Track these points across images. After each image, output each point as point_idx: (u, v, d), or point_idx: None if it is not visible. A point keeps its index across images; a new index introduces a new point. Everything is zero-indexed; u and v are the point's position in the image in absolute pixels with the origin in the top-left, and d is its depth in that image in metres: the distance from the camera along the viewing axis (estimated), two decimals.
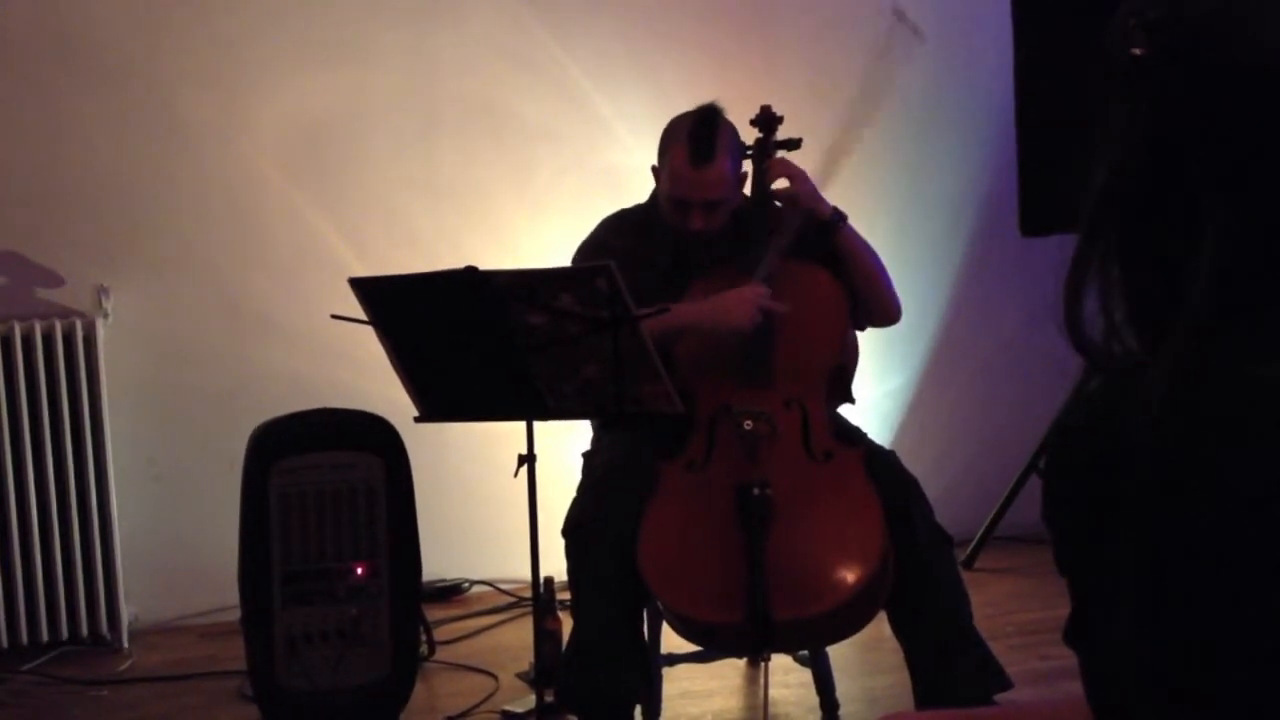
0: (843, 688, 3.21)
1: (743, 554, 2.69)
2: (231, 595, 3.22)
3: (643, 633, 2.93)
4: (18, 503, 3.74)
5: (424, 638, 3.55)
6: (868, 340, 3.19)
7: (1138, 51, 1.04)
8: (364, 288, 2.83)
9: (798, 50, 4.32)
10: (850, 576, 2.71)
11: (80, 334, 3.78)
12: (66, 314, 3.82)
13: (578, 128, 4.22)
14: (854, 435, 3.04)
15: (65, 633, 3.81)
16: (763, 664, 2.73)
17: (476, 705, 3.39)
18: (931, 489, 2.97)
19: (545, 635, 3.07)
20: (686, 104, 3.12)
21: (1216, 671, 0.97)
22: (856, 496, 2.81)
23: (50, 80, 3.88)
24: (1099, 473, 1.02)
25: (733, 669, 3.45)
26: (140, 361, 3.95)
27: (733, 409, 2.86)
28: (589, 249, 3.11)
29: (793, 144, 3.12)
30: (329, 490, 3.12)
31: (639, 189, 3.26)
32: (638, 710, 2.93)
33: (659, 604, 2.87)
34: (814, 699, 3.18)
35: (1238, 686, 0.96)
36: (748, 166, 3.10)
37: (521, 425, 2.90)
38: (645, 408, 2.78)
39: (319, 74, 4.08)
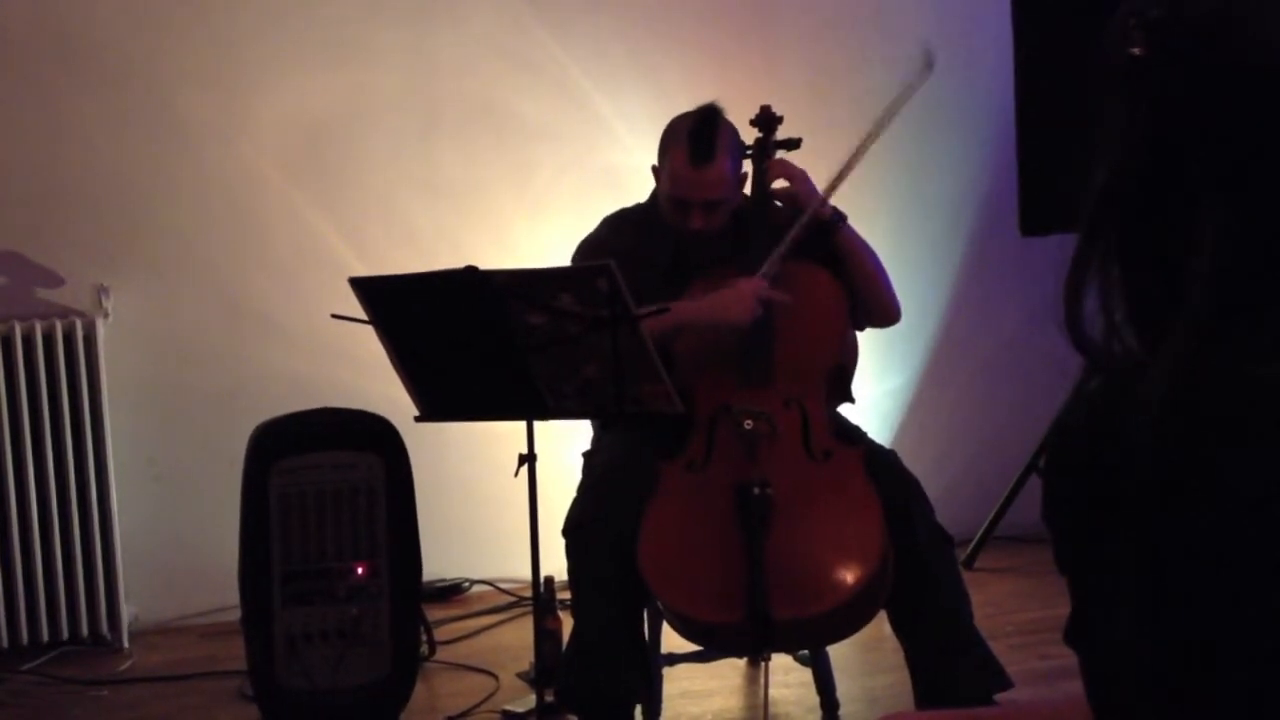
0: (843, 687, 3.21)
1: (743, 554, 2.69)
2: (232, 595, 3.23)
3: (643, 632, 2.94)
4: (18, 502, 3.74)
5: (424, 637, 3.55)
6: (867, 340, 3.19)
7: (1137, 51, 1.04)
8: (364, 287, 2.83)
9: (798, 50, 4.33)
10: (850, 576, 2.71)
11: (80, 334, 3.78)
12: (66, 314, 3.82)
13: (578, 127, 4.22)
14: (854, 435, 3.04)
15: (65, 632, 3.81)
16: (763, 664, 2.73)
17: (477, 705, 3.39)
18: (931, 488, 2.97)
19: (545, 635, 3.07)
20: (686, 104, 3.12)
21: (1216, 671, 0.97)
22: (856, 496, 2.81)
23: (50, 80, 3.88)
24: (1099, 472, 1.02)
25: (733, 669, 3.45)
26: (140, 361, 3.95)
27: (732, 408, 2.86)
28: (589, 248, 3.11)
29: (792, 144, 3.12)
30: (329, 490, 3.12)
31: (639, 189, 3.26)
32: (638, 710, 2.93)
33: (659, 604, 2.87)
34: (814, 699, 3.18)
35: (1238, 686, 0.96)
36: (747, 166, 3.10)
37: (521, 425, 2.90)
38: (645, 407, 2.78)
39: (319, 74, 4.08)
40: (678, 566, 2.79)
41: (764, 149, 3.11)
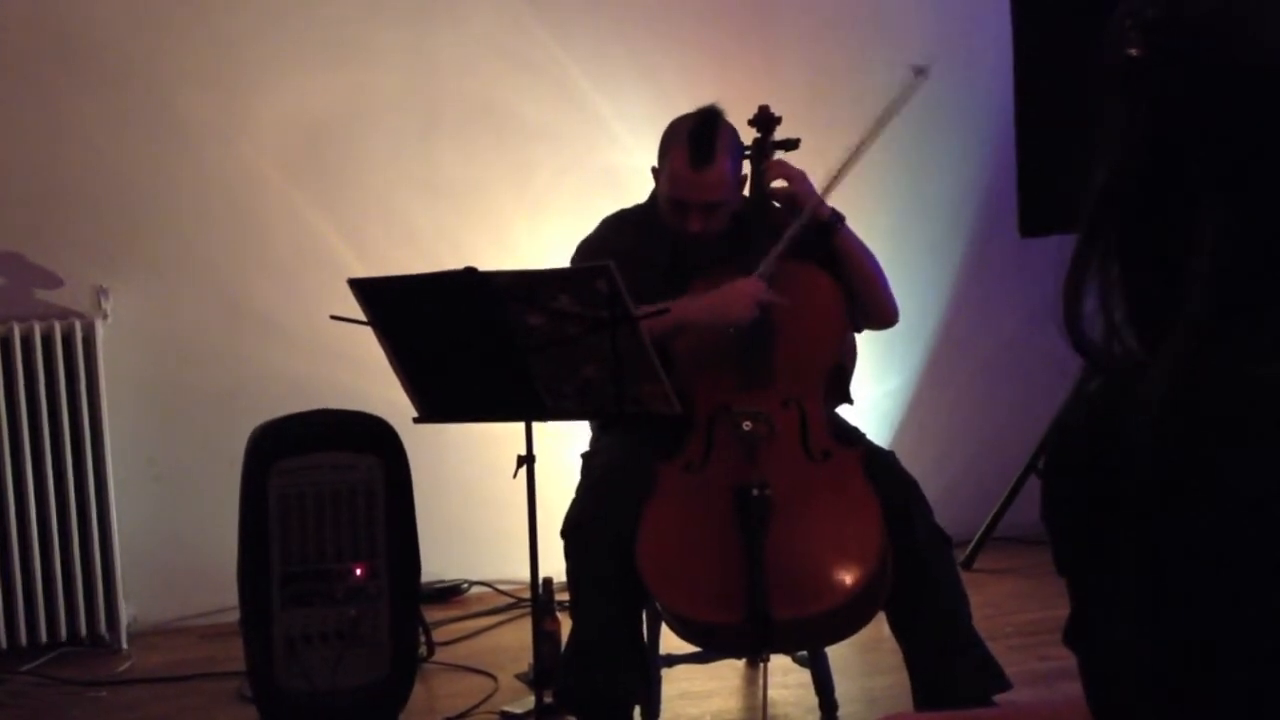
0: (842, 688, 3.21)
1: (741, 554, 2.69)
2: (231, 596, 3.22)
3: (642, 633, 2.93)
4: (17, 503, 3.74)
5: (423, 638, 3.55)
6: (867, 340, 3.19)
7: (1134, 52, 1.04)
8: (363, 288, 2.83)
9: (798, 50, 4.33)
10: (849, 577, 2.71)
11: (80, 335, 3.78)
12: (66, 315, 3.82)
13: (577, 128, 4.22)
14: (853, 435, 3.04)
15: (64, 633, 3.81)
16: (762, 664, 2.73)
17: (476, 706, 3.39)
18: (931, 489, 2.96)
19: (544, 636, 3.07)
20: (686, 104, 3.12)
21: (1216, 671, 0.97)
22: (855, 497, 2.81)
23: (50, 80, 3.88)
24: (1099, 473, 1.02)
25: (732, 669, 3.45)
26: (140, 362, 3.95)
27: (731, 409, 2.86)
28: (589, 249, 3.11)
29: (791, 144, 3.12)
30: (328, 491, 3.12)
31: (638, 189, 3.26)
32: (637, 711, 2.93)
33: (658, 604, 2.86)
34: (813, 699, 3.18)
35: (1238, 686, 0.96)
36: (747, 168, 3.10)
37: (520, 426, 2.90)
38: (644, 408, 2.77)
39: (319, 74, 4.08)
40: (677, 567, 2.79)
41: (762, 149, 3.11)
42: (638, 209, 3.20)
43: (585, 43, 4.21)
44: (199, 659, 3.79)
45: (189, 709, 3.49)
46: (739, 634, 2.70)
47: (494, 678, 3.56)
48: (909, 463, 3.00)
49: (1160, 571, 0.98)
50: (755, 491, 2.72)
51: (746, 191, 3.11)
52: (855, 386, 3.13)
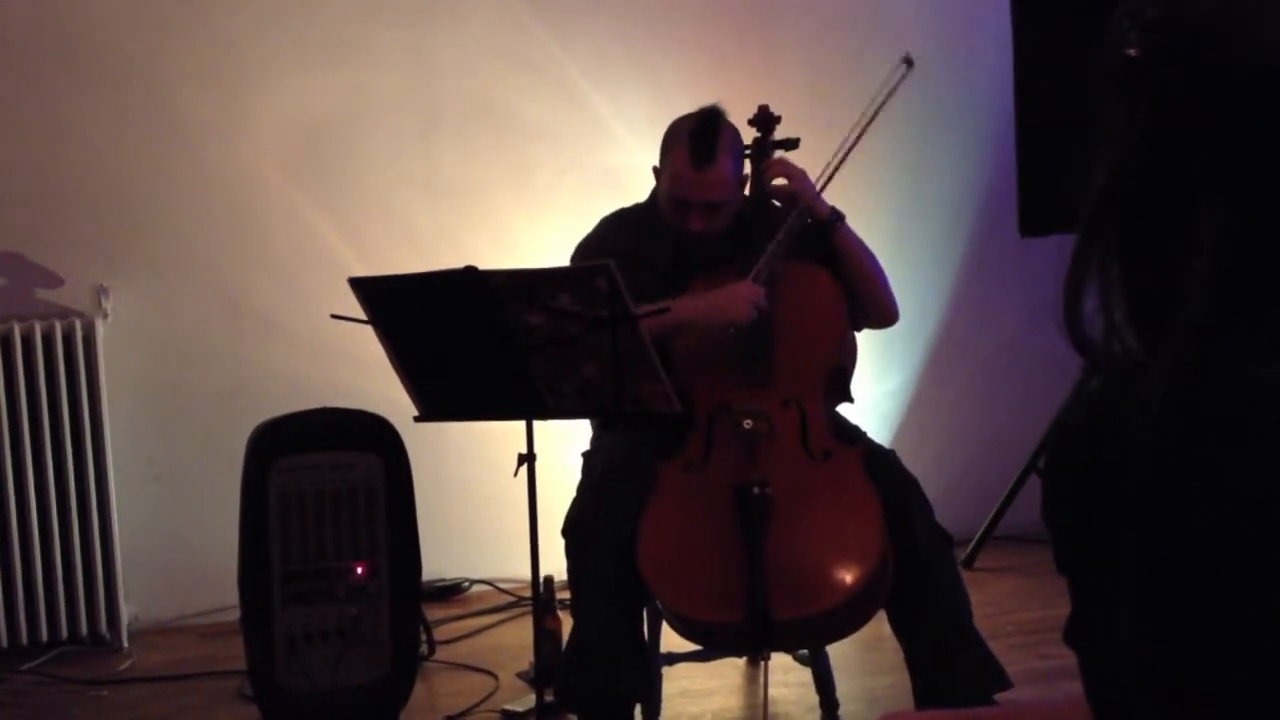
0: (843, 687, 3.21)
1: (742, 553, 2.69)
2: (231, 595, 3.23)
3: (643, 632, 2.93)
4: (17, 502, 3.74)
5: (424, 637, 3.55)
6: (867, 340, 3.19)
7: (1134, 52, 1.04)
8: (364, 287, 2.83)
9: (798, 50, 4.33)
10: (849, 576, 2.71)
11: (80, 334, 3.78)
12: (66, 314, 3.82)
13: (577, 128, 4.22)
14: (853, 434, 3.04)
15: (65, 632, 3.82)
16: (762, 663, 2.73)
17: (476, 705, 3.39)
18: (931, 488, 2.97)
19: (545, 635, 3.07)
20: (686, 104, 3.12)
21: (1216, 671, 0.97)
22: (856, 496, 2.81)
23: (50, 80, 3.88)
24: (1099, 472, 1.02)
25: (733, 668, 3.45)
26: (140, 361, 3.95)
27: (732, 408, 2.86)
28: (589, 248, 3.11)
29: (790, 144, 3.12)
30: (329, 490, 3.12)
31: (638, 189, 3.26)
32: (638, 709, 2.93)
33: (658, 603, 2.87)
34: (814, 698, 3.18)
35: (1238, 686, 0.96)
36: (747, 167, 3.10)
37: (521, 425, 2.90)
38: (644, 407, 2.77)
39: (319, 74, 4.08)
40: (677, 566, 2.79)
41: (762, 148, 3.11)
42: (638, 208, 3.20)
43: (585, 43, 4.21)
44: (199, 658, 3.79)
45: (189, 708, 3.49)
46: (739, 633, 2.70)
47: (495, 676, 3.56)
48: (909, 462, 3.00)
49: (1160, 571, 0.98)
50: (756, 490, 2.72)
51: (747, 191, 3.11)
52: (855, 385, 3.13)
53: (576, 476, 3.08)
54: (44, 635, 3.79)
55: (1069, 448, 1.07)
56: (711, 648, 3.03)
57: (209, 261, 4.04)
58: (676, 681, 3.32)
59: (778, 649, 2.83)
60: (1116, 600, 1.01)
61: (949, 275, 4.51)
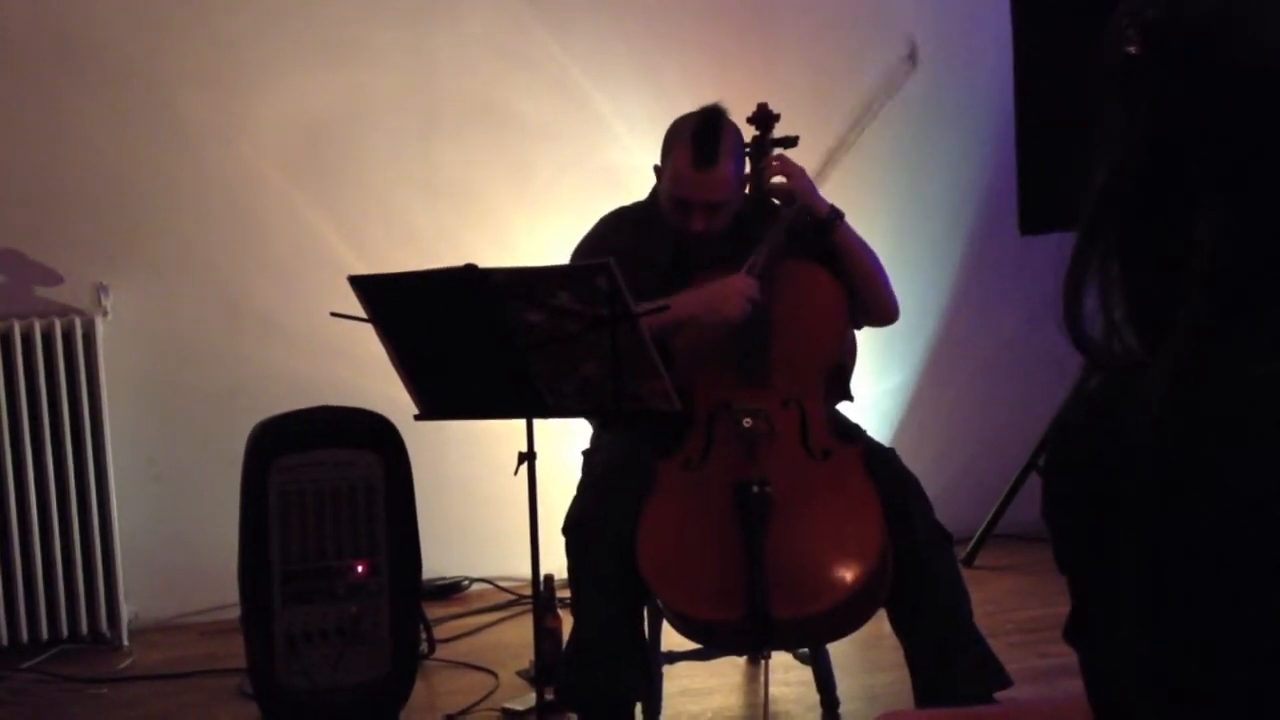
0: (843, 685, 3.21)
1: (742, 552, 2.69)
2: (231, 593, 3.23)
3: (643, 631, 2.94)
4: (18, 501, 3.74)
5: (424, 635, 3.55)
6: (867, 338, 3.19)
7: (1134, 51, 1.04)
8: (364, 286, 2.83)
9: (798, 50, 4.33)
10: (849, 574, 2.71)
11: (80, 332, 3.78)
12: (66, 312, 3.83)
13: (577, 127, 4.22)
14: (853, 433, 3.04)
15: (65, 631, 3.82)
16: (763, 662, 2.73)
17: (477, 703, 3.39)
18: (931, 487, 2.97)
19: (545, 633, 3.07)
20: (686, 103, 3.12)
21: (1216, 671, 0.97)
22: (855, 494, 2.81)
23: (50, 80, 3.88)
24: (1099, 471, 1.02)
25: (733, 667, 3.45)
26: (140, 360, 3.95)
27: (731, 407, 2.86)
28: (589, 247, 3.11)
29: (789, 141, 3.12)
30: (329, 488, 3.12)
31: (638, 188, 3.26)
32: (638, 708, 2.93)
33: (659, 602, 2.87)
34: (814, 696, 3.18)
35: (1238, 686, 0.97)
36: (748, 166, 3.10)
37: (521, 423, 2.91)
38: (644, 405, 2.78)
39: (319, 74, 4.08)
40: (677, 565, 2.79)
41: (761, 147, 3.11)
42: (638, 207, 3.20)
43: (585, 41, 4.21)
44: (200, 656, 3.79)
45: (190, 706, 3.50)
46: (739, 631, 2.70)
47: (495, 675, 3.56)
48: (909, 460, 3.00)
49: (1160, 571, 0.98)
50: (755, 489, 2.73)
51: (747, 190, 3.11)
52: (855, 384, 3.13)
53: (577, 475, 3.09)
54: (44, 633, 3.79)
55: (1069, 447, 1.08)
56: (712, 646, 3.03)
57: (209, 261, 4.04)
58: (677, 680, 3.32)
59: (778, 647, 2.83)
60: (1116, 599, 1.01)
61: (949, 274, 4.51)
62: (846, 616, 2.76)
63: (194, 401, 4.03)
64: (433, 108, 4.17)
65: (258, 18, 4.01)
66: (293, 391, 3.56)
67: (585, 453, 3.15)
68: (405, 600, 3.19)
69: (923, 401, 4.52)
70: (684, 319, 2.93)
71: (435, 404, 2.93)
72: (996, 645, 2.92)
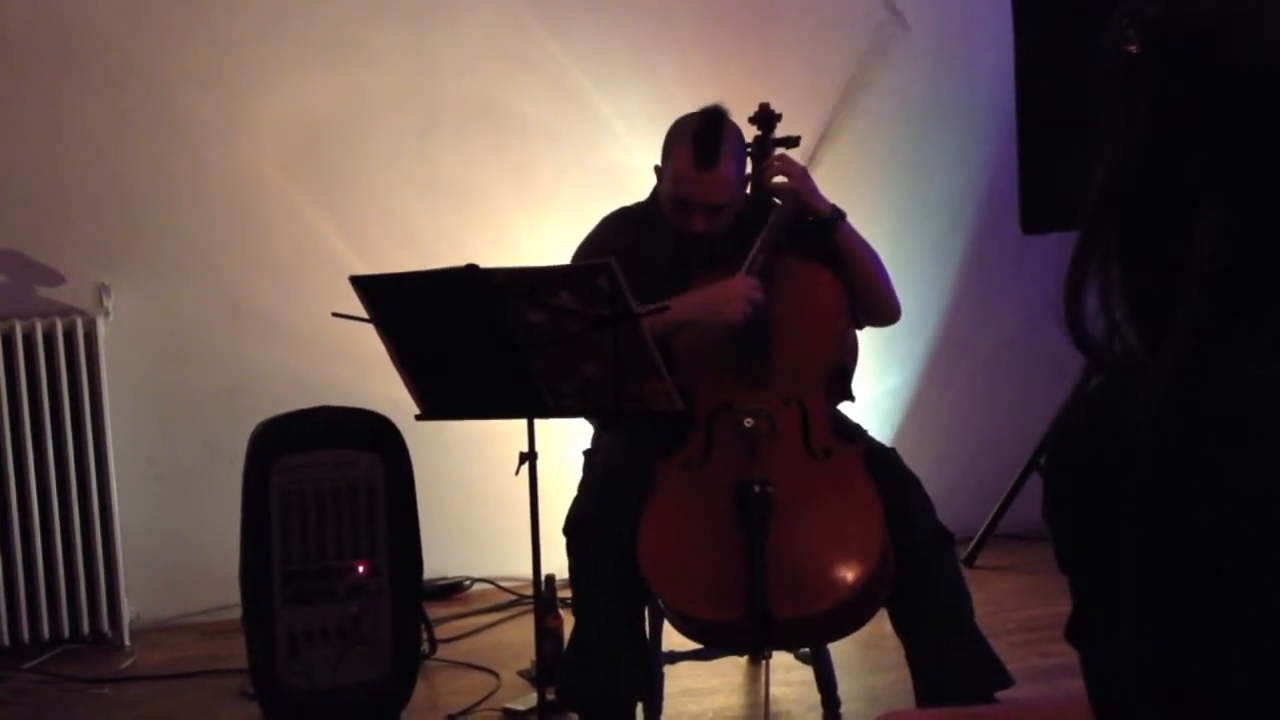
0: (844, 685, 3.21)
1: (743, 552, 2.69)
2: (232, 594, 3.23)
3: (644, 631, 2.94)
4: (19, 501, 3.74)
5: (425, 636, 3.55)
6: (868, 338, 3.19)
7: (1134, 50, 1.04)
8: (364, 286, 2.83)
9: (797, 50, 4.33)
10: (850, 574, 2.71)
11: (81, 332, 3.78)
12: (67, 312, 3.83)
13: (577, 127, 4.22)
14: (854, 433, 3.04)
15: (67, 631, 3.82)
16: (764, 662, 2.73)
17: (478, 703, 3.39)
18: (932, 487, 2.97)
19: (546, 633, 3.07)
20: (686, 103, 3.12)
21: (1216, 671, 0.97)
22: (857, 494, 2.81)
23: (50, 80, 3.88)
24: (1099, 471, 1.02)
25: (734, 667, 3.45)
26: (141, 360, 3.95)
27: (733, 407, 2.86)
28: (590, 247, 3.11)
29: (791, 141, 3.12)
30: (329, 488, 3.13)
31: (639, 188, 3.26)
32: (639, 708, 2.93)
33: (659, 602, 2.87)
34: (815, 696, 3.18)
35: (1238, 686, 0.97)
36: (749, 166, 3.10)
37: (522, 423, 2.90)
38: (645, 406, 2.78)
39: (319, 74, 4.08)
40: (678, 565, 2.79)
41: (763, 147, 3.11)
42: (639, 207, 3.20)
43: (585, 41, 4.21)
44: (201, 656, 3.79)
45: (191, 706, 3.50)
46: (740, 631, 2.70)
47: (496, 675, 3.56)
48: (910, 460, 3.00)
49: (1160, 571, 0.98)
50: (756, 489, 2.72)
51: (749, 190, 3.11)
52: (856, 384, 3.13)
53: (578, 475, 3.09)
54: (46, 634, 3.79)
55: (1070, 447, 1.08)
56: (712, 646, 3.03)
57: (209, 261, 4.04)
58: (678, 680, 3.32)
59: (779, 648, 2.83)
60: (1117, 599, 1.01)
61: (949, 274, 4.51)
62: (847, 616, 2.76)
63: (195, 401, 4.03)
64: (433, 108, 4.17)
65: (258, 18, 4.01)
66: (293, 391, 3.56)
67: (586, 453, 3.15)
68: (406, 600, 3.19)
69: (924, 401, 4.52)
70: (685, 322, 2.93)
71: (436, 404, 2.93)
72: (998, 645, 2.92)
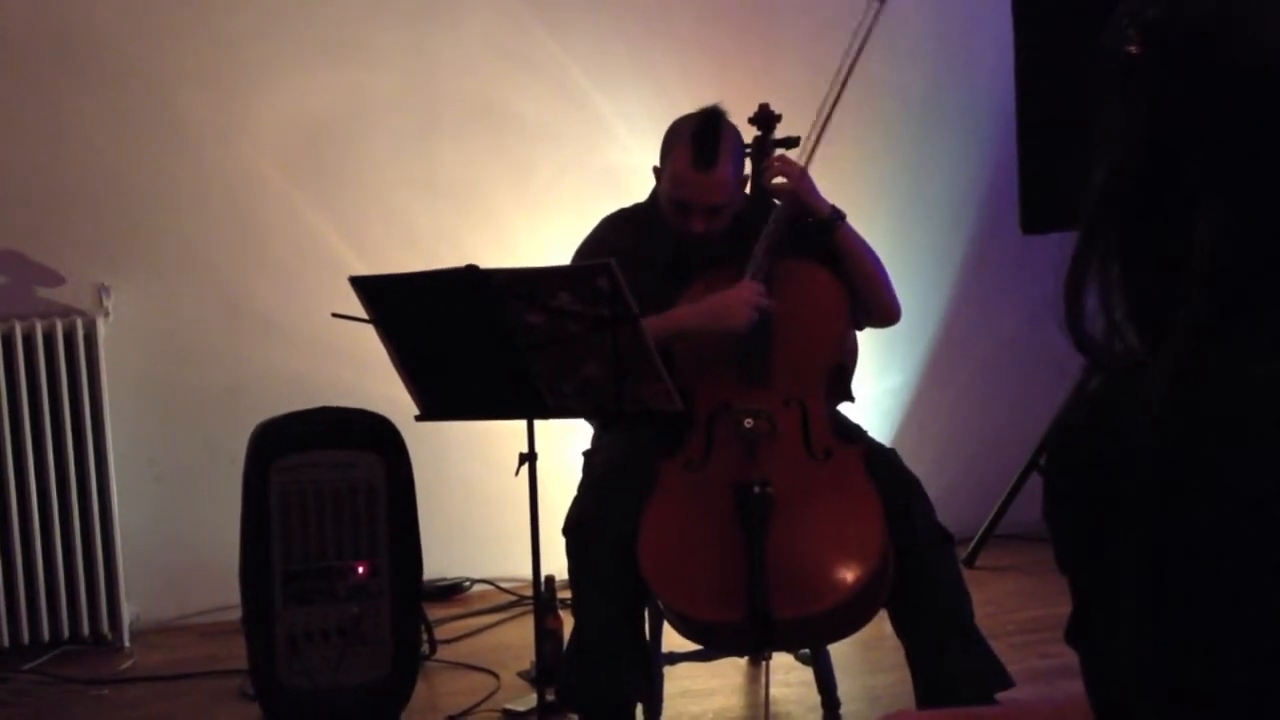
0: (844, 686, 3.21)
1: (743, 553, 2.69)
2: (232, 594, 3.23)
3: (644, 631, 2.94)
4: (19, 502, 3.74)
5: (425, 636, 3.55)
6: (868, 339, 3.19)
7: (1132, 50, 1.04)
8: (365, 286, 2.83)
9: (797, 50, 4.32)
10: (850, 575, 2.71)
11: (81, 333, 3.78)
12: (67, 313, 3.82)
13: (577, 127, 4.22)
14: (854, 433, 3.04)
15: (66, 632, 3.82)
16: (764, 663, 2.73)
17: (478, 704, 3.39)
18: (932, 487, 2.97)
19: (546, 634, 3.07)
20: (686, 103, 3.12)
21: (1216, 671, 0.97)
22: (857, 495, 2.81)
23: (50, 80, 3.88)
24: (1099, 472, 1.02)
25: (734, 668, 3.45)
26: (141, 360, 3.95)
27: (733, 407, 2.86)
28: (589, 249, 3.11)
29: (791, 142, 3.12)
30: (329, 489, 3.13)
31: (638, 188, 3.26)
32: (639, 709, 2.93)
33: (659, 603, 2.87)
34: (815, 697, 3.18)
35: (1238, 686, 0.96)
36: (748, 167, 3.09)
37: (522, 424, 2.90)
38: (645, 406, 2.78)
39: (319, 74, 4.08)
40: (678, 565, 2.79)
41: (763, 147, 3.11)
42: (638, 208, 3.20)
43: (585, 42, 4.21)
44: (201, 657, 3.79)
45: (191, 707, 3.50)
46: (740, 632, 2.70)
47: (496, 676, 3.56)
48: (910, 461, 3.00)
49: (1160, 571, 0.98)
50: (756, 489, 2.72)
51: (748, 190, 3.11)
52: (856, 384, 3.13)
53: (577, 476, 3.09)
54: (45, 635, 3.79)
55: (1069, 447, 1.07)
56: (712, 647, 3.03)
57: (209, 261, 4.04)
58: (678, 681, 3.32)
59: (778, 648, 2.83)
60: (1117, 600, 1.01)
61: (949, 274, 4.51)
62: (847, 617, 2.76)
63: (195, 402, 4.03)
64: (433, 108, 4.17)
65: (258, 18, 4.01)
66: (293, 392, 3.56)
67: (586, 453, 3.15)
68: (406, 601, 3.20)
69: (923, 402, 4.52)
70: (690, 331, 2.93)
71: (436, 405, 2.93)
72: (998, 646, 2.92)
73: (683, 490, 2.87)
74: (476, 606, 4.12)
